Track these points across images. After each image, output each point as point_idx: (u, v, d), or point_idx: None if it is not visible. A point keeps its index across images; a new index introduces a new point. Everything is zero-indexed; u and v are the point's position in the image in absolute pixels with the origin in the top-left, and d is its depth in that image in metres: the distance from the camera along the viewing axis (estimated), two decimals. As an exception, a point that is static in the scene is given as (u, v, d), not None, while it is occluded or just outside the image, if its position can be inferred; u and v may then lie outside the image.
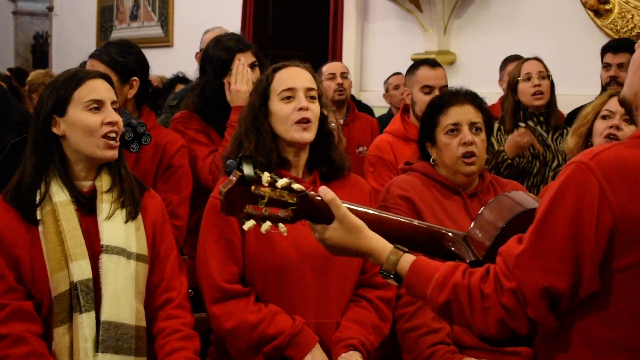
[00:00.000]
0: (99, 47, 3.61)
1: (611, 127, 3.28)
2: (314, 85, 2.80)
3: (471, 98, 3.07)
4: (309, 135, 2.74)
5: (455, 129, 2.99)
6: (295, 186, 1.93)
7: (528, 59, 4.69)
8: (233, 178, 1.88)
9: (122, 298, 2.55)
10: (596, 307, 1.75)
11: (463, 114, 3.01)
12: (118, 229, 2.60)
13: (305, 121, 2.72)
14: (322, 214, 1.97)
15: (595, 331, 1.76)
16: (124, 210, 2.63)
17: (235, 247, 2.73)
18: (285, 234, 1.96)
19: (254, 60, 3.64)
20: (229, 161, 1.97)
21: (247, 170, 1.87)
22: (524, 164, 4.35)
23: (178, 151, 3.41)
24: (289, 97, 2.74)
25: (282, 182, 1.91)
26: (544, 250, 1.72)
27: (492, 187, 3.11)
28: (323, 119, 2.84)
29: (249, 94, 2.94)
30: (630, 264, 1.71)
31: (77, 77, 2.62)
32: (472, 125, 3.01)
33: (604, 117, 3.35)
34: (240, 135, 2.80)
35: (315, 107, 2.76)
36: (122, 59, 3.42)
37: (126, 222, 2.62)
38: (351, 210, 1.99)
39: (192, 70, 5.44)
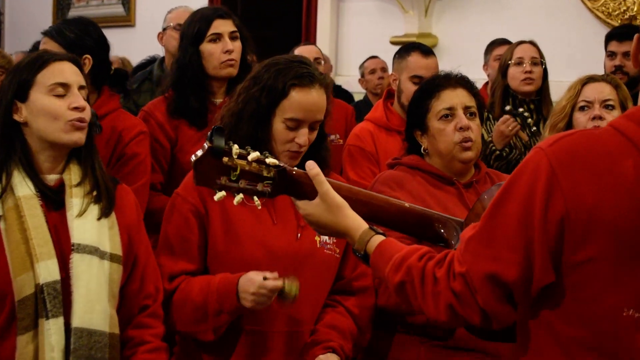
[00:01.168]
0: (53, 25, 3.53)
1: (593, 118, 3.27)
2: (323, 116, 2.70)
3: (464, 82, 3.01)
4: (297, 162, 2.65)
5: (449, 113, 2.92)
6: (269, 160, 1.99)
7: (522, 42, 4.62)
8: (204, 148, 1.94)
9: (96, 302, 2.45)
10: (558, 304, 1.74)
11: (457, 97, 2.94)
12: (90, 227, 2.49)
13: (299, 153, 2.67)
14: (305, 189, 2.02)
15: (563, 330, 1.74)
16: (97, 206, 2.53)
17: (191, 247, 2.69)
18: (259, 207, 2.06)
19: (234, 29, 3.63)
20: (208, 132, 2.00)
21: (217, 141, 1.93)
22: (516, 155, 4.28)
23: (134, 138, 3.35)
24: (293, 126, 2.64)
25: (253, 155, 1.96)
26: (493, 236, 1.73)
27: (489, 177, 3.07)
28: (321, 126, 2.75)
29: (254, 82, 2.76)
30: (586, 259, 1.69)
31: (41, 59, 2.51)
32: (466, 109, 2.94)
33: (582, 109, 3.34)
34: (234, 139, 2.51)
35: (313, 135, 2.69)
36: (73, 35, 3.35)
37: (99, 219, 2.51)
38: (336, 187, 2.04)
39: (156, 52, 5.36)
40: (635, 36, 1.79)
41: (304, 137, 2.63)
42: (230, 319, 2.60)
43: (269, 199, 2.03)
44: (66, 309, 2.41)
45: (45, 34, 3.41)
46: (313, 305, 2.75)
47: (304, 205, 2.04)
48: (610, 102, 3.30)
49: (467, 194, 2.94)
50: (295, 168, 2.04)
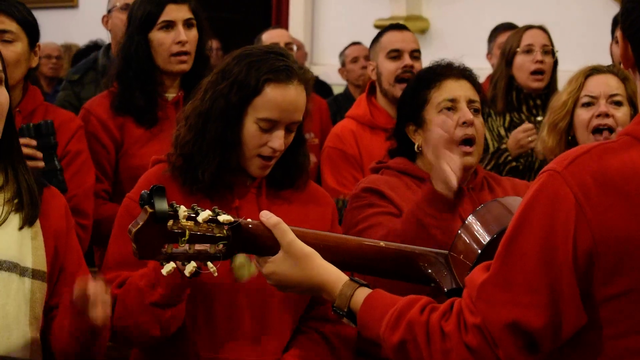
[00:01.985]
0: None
1: (598, 115, 3.25)
2: (301, 116, 2.65)
3: (468, 73, 3.00)
4: (267, 172, 2.65)
5: (452, 106, 2.90)
6: (222, 218, 1.96)
7: (531, 26, 4.53)
8: (143, 216, 1.91)
9: (14, 326, 2.42)
10: (585, 344, 1.72)
11: (461, 89, 2.93)
12: (9, 238, 2.44)
13: (271, 159, 2.62)
14: (264, 243, 2.00)
15: None
16: (19, 215, 2.47)
17: None
18: (215, 274, 1.98)
19: (189, 16, 3.57)
20: (142, 192, 1.94)
21: (159, 205, 1.90)
22: (523, 158, 4.19)
23: (75, 133, 3.36)
24: (267, 128, 2.60)
25: (204, 215, 1.94)
26: (511, 278, 1.69)
27: (487, 183, 3.06)
28: (299, 129, 2.71)
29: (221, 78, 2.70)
30: (619, 292, 1.67)
31: None
32: (470, 103, 2.92)
33: (586, 105, 3.30)
34: (202, 142, 2.63)
35: (290, 138, 2.64)
36: (32, 19, 3.32)
37: (20, 228, 2.46)
38: (300, 234, 2.02)
39: (101, 37, 5.28)
40: (619, 34, 1.78)
41: (278, 140, 2.59)
42: (167, 298, 2.48)
43: (224, 260, 2.00)
44: None
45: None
46: (281, 332, 2.70)
47: (264, 264, 2.00)
48: (618, 98, 3.27)
49: (462, 203, 2.90)
50: (251, 220, 1.99)
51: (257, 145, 2.60)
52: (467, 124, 2.87)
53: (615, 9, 5.57)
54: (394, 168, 2.99)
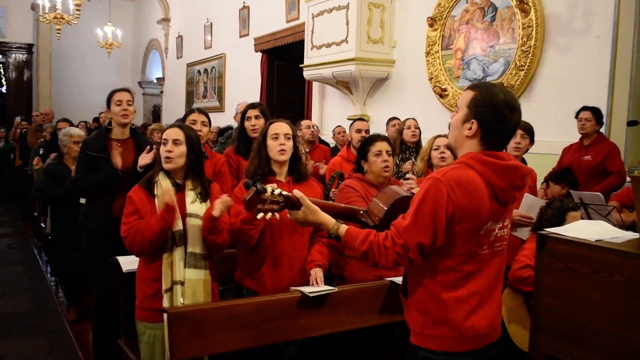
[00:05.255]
0: (195, 107, 3.34)
1: (441, 153, 3.20)
2: (289, 132, 2.57)
3: (386, 138, 2.92)
4: (284, 157, 2.55)
5: (379, 153, 2.82)
6: (284, 193, 1.88)
7: (409, 118, 4.43)
8: (251, 192, 1.82)
9: (197, 239, 2.37)
10: (443, 251, 1.68)
11: (383, 145, 2.84)
12: (197, 206, 2.41)
13: (282, 151, 2.54)
14: (296, 205, 1.89)
15: (440, 262, 1.69)
16: (200, 195, 2.43)
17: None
18: (277, 218, 1.91)
19: (258, 114, 3.33)
20: (246, 180, 1.89)
21: (260, 187, 1.83)
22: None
23: (223, 164, 3.23)
24: (275, 138, 2.54)
25: (277, 191, 1.87)
26: (418, 224, 1.65)
27: (391, 183, 2.93)
28: (296, 150, 2.60)
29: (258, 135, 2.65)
30: (461, 229, 1.65)
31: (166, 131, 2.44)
32: (387, 152, 2.84)
33: (434, 149, 3.25)
34: (253, 156, 2.61)
35: (288, 143, 2.56)
36: (209, 116, 3.25)
37: (200, 202, 2.42)
38: (312, 201, 1.90)
39: (232, 123, 5.23)
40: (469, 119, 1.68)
41: (282, 140, 2.53)
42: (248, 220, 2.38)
43: (279, 212, 1.90)
44: (184, 242, 2.36)
45: (199, 111, 3.21)
46: (302, 244, 2.58)
47: (295, 213, 1.89)
48: (447, 146, 3.21)
49: None
50: (292, 194, 1.89)
51: (274, 146, 2.53)
52: (386, 161, 2.81)
53: (447, 113, 5.50)
54: (357, 177, 2.87)
